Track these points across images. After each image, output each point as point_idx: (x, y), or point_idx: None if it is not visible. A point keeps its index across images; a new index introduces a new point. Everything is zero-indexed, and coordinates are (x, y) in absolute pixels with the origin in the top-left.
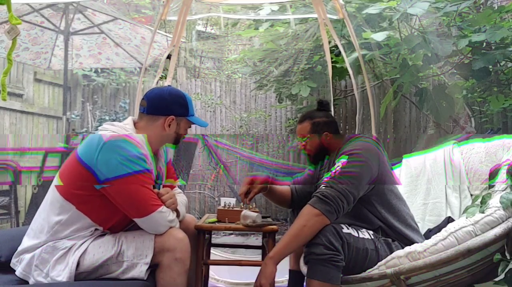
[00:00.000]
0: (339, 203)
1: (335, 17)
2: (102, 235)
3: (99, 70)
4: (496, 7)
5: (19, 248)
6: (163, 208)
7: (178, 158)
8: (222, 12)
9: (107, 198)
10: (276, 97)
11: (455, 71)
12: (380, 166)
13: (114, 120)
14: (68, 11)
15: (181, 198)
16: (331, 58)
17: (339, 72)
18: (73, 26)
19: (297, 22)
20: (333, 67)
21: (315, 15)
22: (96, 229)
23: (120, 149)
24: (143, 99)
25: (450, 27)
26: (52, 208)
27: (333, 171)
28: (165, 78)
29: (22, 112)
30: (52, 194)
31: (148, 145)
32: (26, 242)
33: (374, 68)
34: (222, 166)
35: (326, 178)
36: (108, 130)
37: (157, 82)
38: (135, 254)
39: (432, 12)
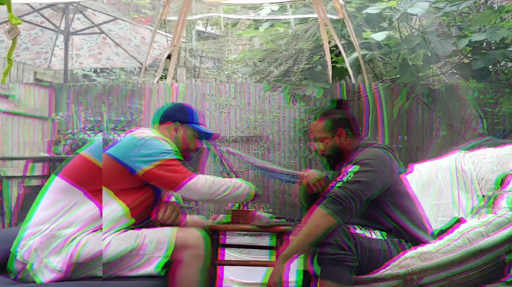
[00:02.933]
0: (351, 204)
1: (335, 17)
2: (125, 230)
3: (99, 70)
4: (496, 7)
5: (20, 236)
6: (195, 179)
7: (185, 165)
8: (222, 12)
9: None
10: (290, 99)
11: (455, 71)
12: (392, 175)
13: (100, 121)
14: (68, 11)
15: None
16: (331, 58)
17: (339, 72)
18: (73, 26)
19: (297, 22)
20: (333, 67)
21: (315, 15)
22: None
23: (159, 144)
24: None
25: (450, 27)
26: (62, 197)
27: (344, 176)
28: (165, 78)
29: (8, 113)
30: (58, 185)
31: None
32: (30, 230)
33: (374, 68)
34: (233, 175)
35: (335, 182)
36: (145, 133)
37: (157, 82)
38: (156, 248)
39: (432, 12)
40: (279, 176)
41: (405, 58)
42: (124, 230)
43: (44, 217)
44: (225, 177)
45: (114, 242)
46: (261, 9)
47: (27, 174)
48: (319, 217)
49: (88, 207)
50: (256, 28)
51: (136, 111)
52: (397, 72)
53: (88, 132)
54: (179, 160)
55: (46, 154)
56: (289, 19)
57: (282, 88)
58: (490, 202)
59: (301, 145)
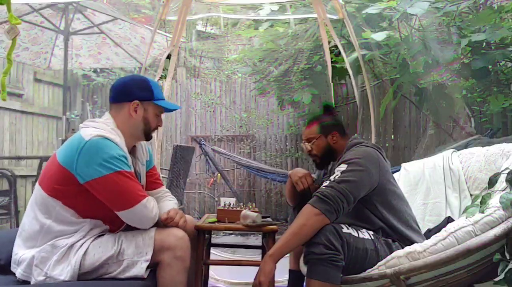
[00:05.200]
0: (339, 203)
1: (335, 17)
2: (102, 235)
3: (98, 70)
4: (495, 7)
5: (15, 250)
6: (148, 200)
7: (174, 165)
8: (221, 12)
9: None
10: (279, 104)
11: (455, 78)
12: (380, 173)
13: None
14: (67, 11)
15: (172, 202)
16: (331, 58)
17: (339, 72)
18: (73, 26)
19: (297, 22)
20: (333, 67)
21: (315, 15)
22: (94, 226)
23: (99, 150)
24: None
25: (450, 27)
26: (39, 207)
27: (332, 176)
28: (165, 78)
29: (22, 112)
30: (37, 194)
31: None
32: (20, 243)
33: (374, 68)
34: (219, 174)
35: (326, 182)
36: (90, 126)
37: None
38: (135, 252)
39: (432, 12)
40: (265, 175)
41: (404, 58)
42: (99, 236)
43: (33, 232)
44: (211, 175)
45: (92, 250)
46: (260, 9)
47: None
48: (306, 216)
49: (67, 211)
50: (256, 28)
51: None
52: (397, 72)
53: None
54: (127, 168)
55: None
56: (288, 19)
57: (272, 93)
58: (479, 201)
59: (287, 144)
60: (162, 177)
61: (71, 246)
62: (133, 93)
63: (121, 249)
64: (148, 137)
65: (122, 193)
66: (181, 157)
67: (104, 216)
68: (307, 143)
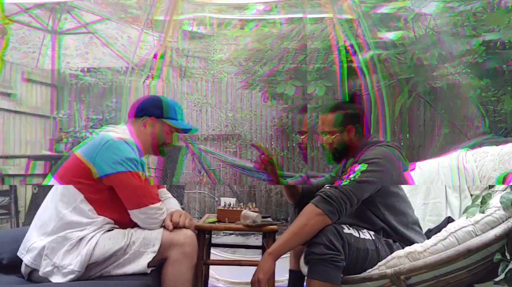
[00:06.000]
0: (342, 204)
1: (348, 17)
2: (112, 229)
3: (86, 69)
4: (510, 7)
5: (27, 237)
6: (160, 205)
7: (163, 165)
8: (209, 12)
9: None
10: (262, 97)
11: (469, 70)
12: (400, 175)
13: (101, 119)
14: (56, 10)
15: (173, 202)
16: (346, 58)
17: (353, 73)
18: (61, 25)
19: (313, 22)
20: (347, 67)
21: (300, 15)
22: (106, 223)
23: (119, 150)
24: None
25: (464, 26)
26: (61, 197)
27: (351, 174)
28: (158, 77)
29: (10, 111)
30: (59, 187)
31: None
32: (33, 231)
33: (389, 68)
34: (205, 173)
35: (340, 180)
36: (111, 131)
37: (144, 81)
38: (143, 243)
39: (446, 11)
40: (251, 173)
41: (419, 57)
42: (109, 230)
43: (48, 220)
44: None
45: (102, 242)
46: (247, 9)
47: (29, 172)
48: (308, 216)
49: (87, 208)
50: (242, 28)
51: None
52: (412, 71)
53: (90, 130)
54: (142, 171)
55: (48, 152)
56: (275, 19)
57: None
58: (479, 201)
59: (272, 143)
60: (149, 176)
61: (82, 238)
62: (144, 109)
63: (130, 242)
64: (158, 153)
65: (139, 191)
66: (167, 156)
67: (119, 218)
68: (326, 136)
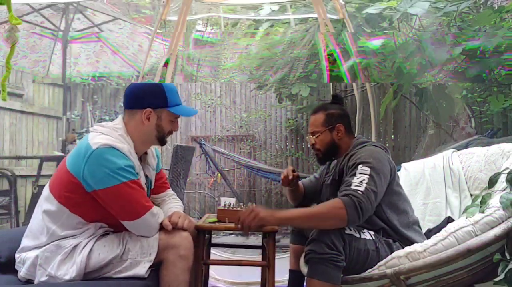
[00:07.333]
0: (364, 216)
1: (335, 17)
2: (106, 234)
3: (97, 78)
4: (496, 7)
5: (20, 249)
6: (154, 209)
7: (175, 165)
8: (222, 12)
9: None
10: (276, 97)
11: (449, 78)
12: (390, 175)
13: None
14: (68, 11)
15: (176, 204)
16: (329, 64)
17: (336, 79)
18: (73, 26)
19: (297, 22)
20: (330, 74)
21: (315, 15)
22: (100, 227)
23: (105, 161)
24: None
25: (450, 27)
26: (47, 212)
27: (358, 178)
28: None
29: (22, 112)
30: (47, 198)
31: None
32: (26, 243)
33: (369, 76)
34: (219, 174)
35: (349, 182)
36: (98, 131)
37: None
38: (139, 252)
39: (432, 12)
40: (266, 175)
41: (400, 65)
42: (103, 235)
43: (39, 233)
44: (211, 175)
45: (97, 249)
46: (261, 9)
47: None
48: (332, 208)
49: (75, 218)
50: (256, 28)
51: None
52: (392, 79)
53: None
54: (134, 179)
55: (60, 153)
56: (289, 19)
57: (269, 86)
58: (479, 201)
59: (287, 144)
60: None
61: (76, 246)
62: (146, 100)
63: (126, 249)
64: (162, 142)
65: (128, 205)
66: (181, 157)
67: (111, 222)
68: (311, 136)
